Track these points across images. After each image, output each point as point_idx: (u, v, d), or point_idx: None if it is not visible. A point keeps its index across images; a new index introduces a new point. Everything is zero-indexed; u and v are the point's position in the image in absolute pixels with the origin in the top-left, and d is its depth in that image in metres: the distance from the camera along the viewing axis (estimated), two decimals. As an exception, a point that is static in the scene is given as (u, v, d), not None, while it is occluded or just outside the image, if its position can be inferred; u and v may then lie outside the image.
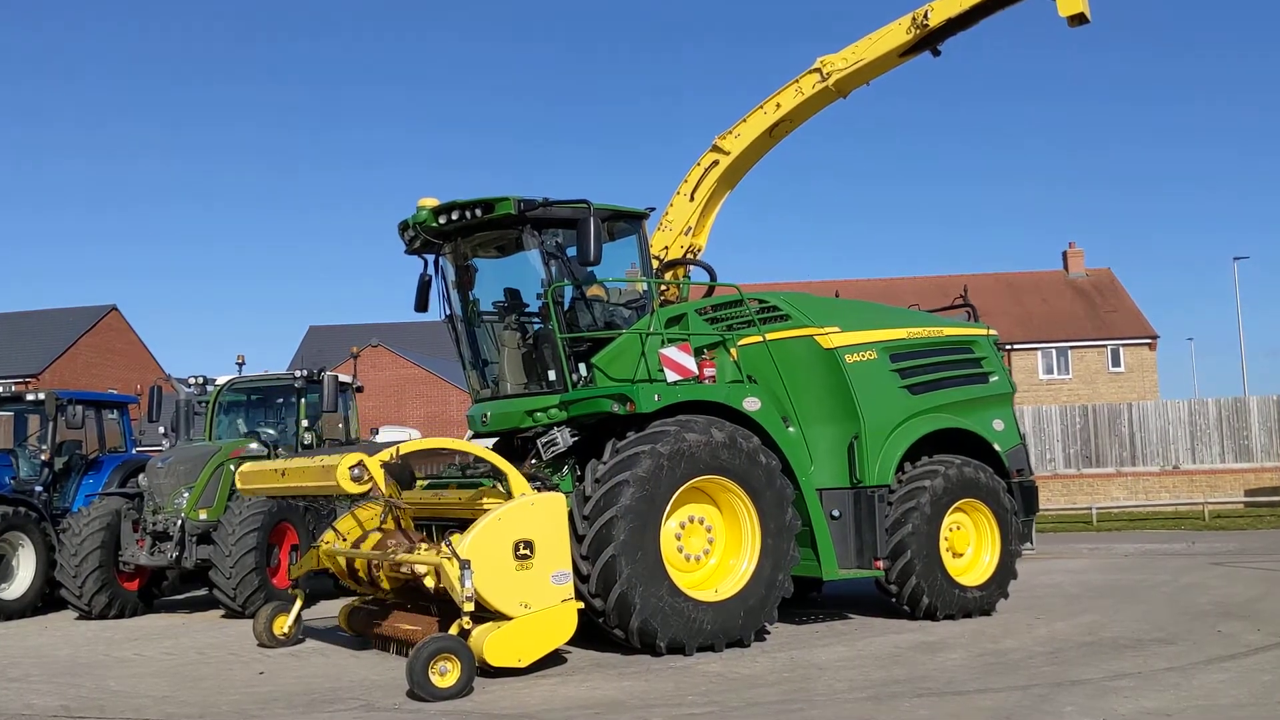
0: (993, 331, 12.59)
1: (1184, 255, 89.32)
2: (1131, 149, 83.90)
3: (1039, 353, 46.52)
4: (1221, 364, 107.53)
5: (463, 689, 7.77)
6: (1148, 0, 74.44)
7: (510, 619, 8.26)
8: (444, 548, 8.33)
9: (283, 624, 10.54)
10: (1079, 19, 11.89)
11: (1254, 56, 78.23)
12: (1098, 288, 50.18)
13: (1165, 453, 31.06)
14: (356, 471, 8.02)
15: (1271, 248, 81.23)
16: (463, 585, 7.98)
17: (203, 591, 14.58)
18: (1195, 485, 30.40)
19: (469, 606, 8.03)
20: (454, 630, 8.13)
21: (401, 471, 8.39)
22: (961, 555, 11.28)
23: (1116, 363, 46.75)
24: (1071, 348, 46.83)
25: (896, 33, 12.37)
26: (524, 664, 8.35)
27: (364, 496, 8.69)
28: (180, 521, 13.22)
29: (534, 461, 10.11)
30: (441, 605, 8.89)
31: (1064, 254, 51.54)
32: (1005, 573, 11.45)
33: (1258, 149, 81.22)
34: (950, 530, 11.13)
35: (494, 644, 8.14)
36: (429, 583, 8.46)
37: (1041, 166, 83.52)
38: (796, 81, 12.74)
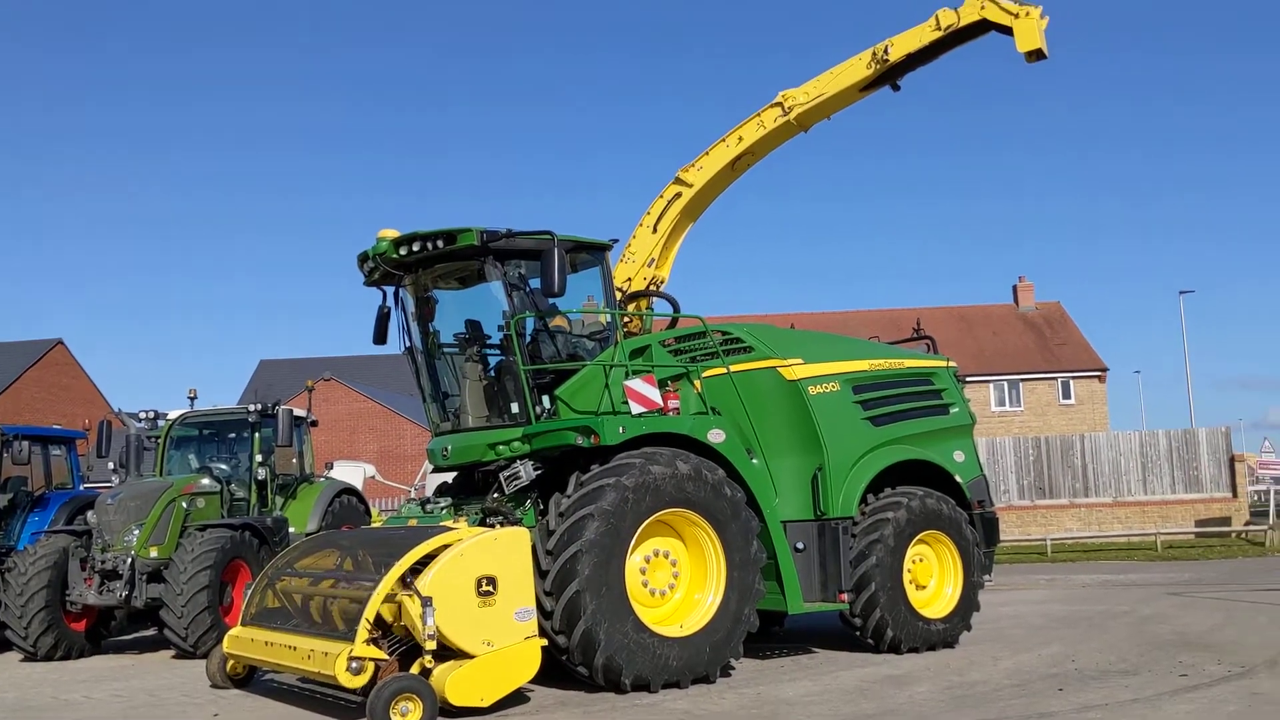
0: (952, 363, 12.65)
1: (1131, 289, 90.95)
2: (1079, 184, 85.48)
3: (991, 385, 46.98)
4: (1168, 396, 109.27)
5: (425, 730, 7.59)
6: (1100, 32, 76.15)
7: (473, 657, 8.09)
8: (405, 584, 8.15)
9: (236, 665, 10.26)
10: (1037, 54, 12.07)
11: (1200, 96, 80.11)
12: (1048, 321, 50.86)
13: (1117, 484, 31.40)
14: (355, 665, 7.88)
15: (1216, 281, 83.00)
16: (424, 623, 7.81)
17: (152, 631, 14.20)
18: (1147, 516, 30.73)
19: (431, 645, 7.87)
20: (415, 669, 7.97)
21: None
22: (925, 587, 11.25)
23: (1067, 395, 47.32)
24: (1023, 380, 47.36)
25: (857, 67, 12.48)
26: (487, 703, 8.18)
27: None
28: (130, 559, 12.86)
29: (496, 495, 9.96)
30: (399, 644, 8.69)
31: (1014, 288, 52.22)
32: (968, 604, 11.44)
33: (1202, 184, 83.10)
34: (914, 562, 11.11)
35: (456, 683, 7.96)
36: (391, 621, 8.28)
37: (992, 201, 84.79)
38: (759, 115, 12.81)
